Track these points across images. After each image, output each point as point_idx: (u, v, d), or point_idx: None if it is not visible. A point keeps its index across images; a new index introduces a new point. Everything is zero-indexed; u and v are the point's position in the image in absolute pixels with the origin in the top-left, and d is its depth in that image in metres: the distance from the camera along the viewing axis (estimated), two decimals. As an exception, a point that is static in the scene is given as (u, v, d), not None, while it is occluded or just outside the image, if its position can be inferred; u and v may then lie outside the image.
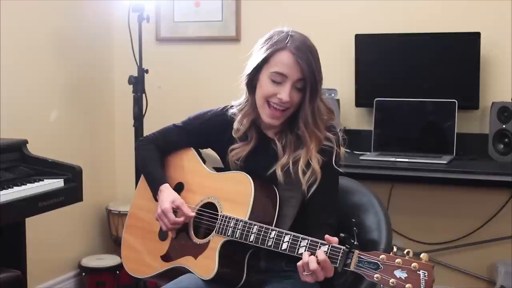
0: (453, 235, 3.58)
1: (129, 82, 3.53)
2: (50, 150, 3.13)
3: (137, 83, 3.52)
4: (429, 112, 3.46)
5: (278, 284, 1.97)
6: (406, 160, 3.25)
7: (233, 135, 2.08)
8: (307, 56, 1.93)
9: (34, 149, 2.93)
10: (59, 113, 3.71)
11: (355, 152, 3.46)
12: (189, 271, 1.98)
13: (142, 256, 2.16)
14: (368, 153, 3.45)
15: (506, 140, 3.25)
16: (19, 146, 2.87)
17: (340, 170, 2.02)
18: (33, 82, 3.51)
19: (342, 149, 2.02)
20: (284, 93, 1.93)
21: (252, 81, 2.02)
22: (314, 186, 1.94)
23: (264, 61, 1.96)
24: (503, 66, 3.43)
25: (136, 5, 3.51)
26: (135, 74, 3.54)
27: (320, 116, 1.98)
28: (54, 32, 3.64)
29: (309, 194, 1.95)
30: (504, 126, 3.25)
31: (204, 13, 3.98)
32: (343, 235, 1.71)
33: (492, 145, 3.28)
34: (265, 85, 1.97)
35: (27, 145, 2.91)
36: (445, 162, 3.19)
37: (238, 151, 2.06)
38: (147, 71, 3.55)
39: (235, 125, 2.08)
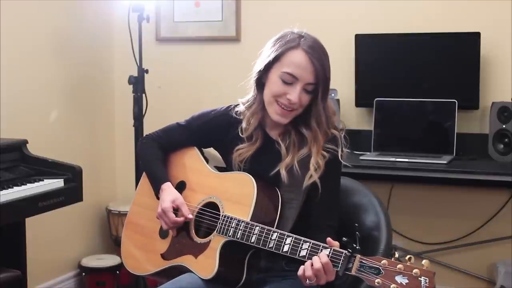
0: (453, 235, 3.58)
1: (129, 82, 3.53)
2: (50, 150, 3.13)
3: (137, 83, 3.52)
4: (429, 112, 3.46)
5: (278, 283, 1.98)
6: (406, 160, 3.25)
7: (241, 134, 2.07)
8: (319, 55, 1.93)
9: (34, 149, 2.93)
10: (59, 113, 3.71)
11: (355, 152, 3.46)
12: (189, 270, 1.98)
13: (142, 254, 2.16)
14: (368, 153, 3.45)
15: (506, 140, 3.24)
16: (19, 146, 2.87)
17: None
18: (33, 82, 3.51)
19: (344, 149, 2.02)
20: (294, 95, 1.92)
21: (261, 79, 2.01)
22: (315, 177, 1.94)
23: (276, 59, 1.95)
24: (503, 66, 3.43)
25: (136, 5, 3.51)
26: (135, 74, 3.54)
27: (330, 114, 1.99)
28: (54, 32, 3.64)
29: (308, 185, 1.94)
30: (504, 126, 3.24)
31: (204, 13, 3.98)
32: (346, 239, 1.71)
33: (492, 145, 3.28)
34: (274, 84, 1.95)
35: (27, 145, 2.91)
36: (445, 162, 3.19)
37: (243, 151, 2.05)
38: (147, 71, 3.55)
39: (244, 124, 2.06)
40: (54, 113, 3.68)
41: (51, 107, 3.66)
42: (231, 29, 3.92)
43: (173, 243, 2.08)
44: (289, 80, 1.92)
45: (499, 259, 3.43)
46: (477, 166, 3.17)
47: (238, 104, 2.11)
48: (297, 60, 1.92)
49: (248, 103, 2.07)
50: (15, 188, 2.60)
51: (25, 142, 2.91)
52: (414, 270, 1.60)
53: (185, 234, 2.06)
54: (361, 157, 3.33)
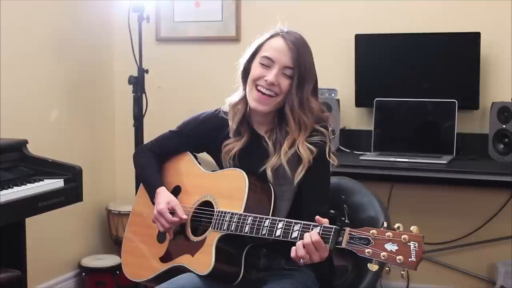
0: (453, 235, 3.58)
1: (129, 82, 3.53)
2: (50, 150, 3.13)
3: (137, 83, 3.52)
4: (429, 112, 3.46)
5: (278, 282, 1.98)
6: (406, 160, 3.25)
7: (230, 135, 2.09)
8: (298, 42, 1.99)
9: (34, 149, 2.93)
10: (59, 113, 3.71)
11: (355, 152, 3.46)
12: (187, 270, 1.99)
13: (141, 260, 2.17)
14: (368, 153, 3.45)
15: (506, 140, 3.25)
16: (19, 146, 2.87)
17: (331, 161, 2.03)
18: (33, 82, 3.51)
19: (332, 142, 2.05)
20: (271, 75, 1.97)
21: (246, 72, 2.06)
22: (302, 173, 1.96)
23: (258, 49, 2.03)
24: (503, 66, 3.43)
25: (136, 5, 3.51)
26: (135, 74, 3.53)
27: (308, 106, 2.00)
28: (54, 32, 3.64)
29: (298, 180, 1.96)
30: (504, 126, 3.25)
31: (204, 13, 3.98)
32: (334, 212, 1.72)
33: (492, 145, 3.28)
34: (254, 69, 2.01)
35: (27, 145, 2.90)
36: (445, 162, 3.19)
37: (231, 146, 2.09)
38: (147, 71, 3.55)
39: (230, 121, 2.10)
40: (54, 113, 3.68)
41: (51, 107, 3.66)
42: (231, 29, 3.92)
43: (170, 246, 2.10)
44: (267, 63, 1.99)
45: (499, 259, 3.43)
46: (477, 166, 3.17)
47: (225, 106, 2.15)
48: (275, 45, 2.00)
49: (232, 100, 2.11)
50: (15, 188, 2.60)
51: (25, 142, 2.90)
52: (403, 236, 1.61)
53: (181, 235, 2.08)
54: (361, 157, 3.33)
